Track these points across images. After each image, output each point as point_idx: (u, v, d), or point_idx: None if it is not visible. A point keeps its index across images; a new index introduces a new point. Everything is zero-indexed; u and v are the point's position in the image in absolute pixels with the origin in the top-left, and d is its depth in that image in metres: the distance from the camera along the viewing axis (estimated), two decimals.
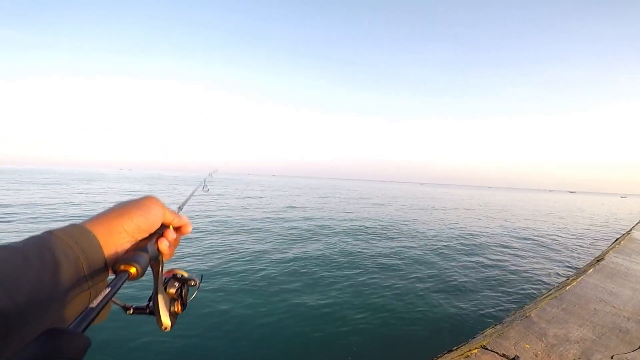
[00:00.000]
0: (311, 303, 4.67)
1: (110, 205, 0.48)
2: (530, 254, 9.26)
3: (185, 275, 0.55)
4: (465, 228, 13.63)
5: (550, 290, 5.24)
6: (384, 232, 11.41)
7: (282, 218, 13.42)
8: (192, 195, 0.82)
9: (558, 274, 7.21)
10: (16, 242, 0.37)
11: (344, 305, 4.68)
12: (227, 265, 6.26)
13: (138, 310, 0.51)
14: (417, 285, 5.80)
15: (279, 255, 7.25)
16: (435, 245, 9.46)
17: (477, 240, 10.80)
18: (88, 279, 0.39)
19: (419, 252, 8.37)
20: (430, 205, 25.37)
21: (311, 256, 7.39)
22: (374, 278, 6.02)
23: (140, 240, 0.48)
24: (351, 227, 11.88)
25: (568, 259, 8.93)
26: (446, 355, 2.92)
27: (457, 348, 3.12)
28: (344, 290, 5.29)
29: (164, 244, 0.50)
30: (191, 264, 6.28)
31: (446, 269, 7.00)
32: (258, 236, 9.43)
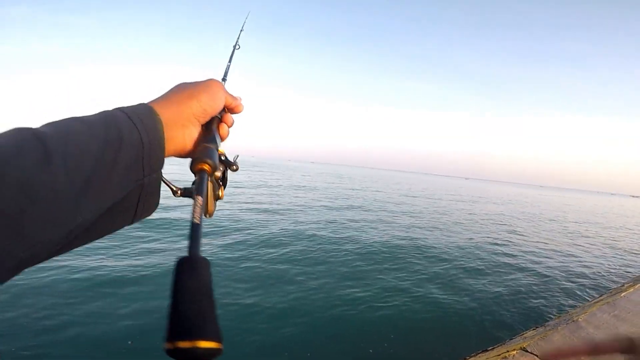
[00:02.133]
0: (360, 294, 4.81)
1: (174, 86, 0.45)
2: (589, 258, 8.58)
3: (226, 156, 0.50)
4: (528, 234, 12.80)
5: (601, 295, 4.86)
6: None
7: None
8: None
9: (612, 280, 6.67)
10: (88, 115, 0.36)
11: (389, 291, 4.80)
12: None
13: (187, 193, 0.46)
14: (463, 279, 5.71)
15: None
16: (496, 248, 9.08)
17: (533, 245, 10.18)
18: (146, 170, 0.37)
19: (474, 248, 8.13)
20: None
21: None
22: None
23: (205, 128, 0.46)
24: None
25: (628, 265, 8.17)
26: (481, 354, 2.87)
27: (493, 348, 3.05)
28: (403, 278, 5.40)
29: (224, 130, 0.49)
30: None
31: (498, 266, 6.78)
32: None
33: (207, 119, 0.46)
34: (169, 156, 0.42)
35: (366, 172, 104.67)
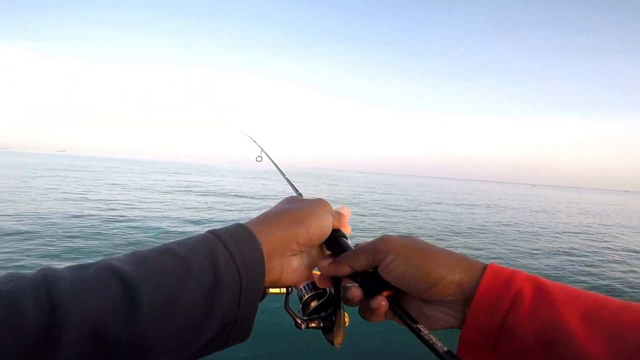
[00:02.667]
0: None
1: (279, 202, 0.41)
2: None
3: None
4: None
5: None
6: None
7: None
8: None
9: None
10: (181, 244, 0.33)
11: None
12: None
13: (313, 326, 0.47)
14: None
15: None
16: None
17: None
18: (241, 306, 0.34)
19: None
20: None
21: None
22: None
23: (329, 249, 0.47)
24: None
25: None
26: None
27: None
28: None
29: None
30: None
31: None
32: None
33: (309, 250, 0.45)
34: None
35: (415, 180, 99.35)
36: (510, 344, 0.33)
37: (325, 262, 0.46)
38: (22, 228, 7.13)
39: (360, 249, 0.43)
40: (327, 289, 0.51)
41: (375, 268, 0.42)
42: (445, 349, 0.34)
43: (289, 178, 0.87)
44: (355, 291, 0.42)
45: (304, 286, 0.51)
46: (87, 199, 11.96)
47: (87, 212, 9.30)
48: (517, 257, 7.80)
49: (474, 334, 0.36)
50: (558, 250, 8.82)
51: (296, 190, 0.75)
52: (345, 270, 0.44)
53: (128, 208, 10.64)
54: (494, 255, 7.85)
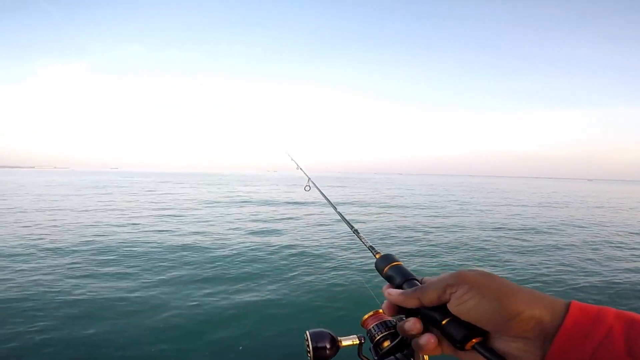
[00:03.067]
0: None
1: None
2: None
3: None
4: None
5: None
6: None
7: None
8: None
9: None
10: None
11: None
12: None
13: None
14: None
15: None
16: None
17: None
18: None
19: None
20: None
21: None
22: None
23: None
24: None
25: None
26: None
27: None
28: None
29: None
30: None
31: None
32: None
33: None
34: None
35: (456, 180, 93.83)
36: None
37: (394, 292, 0.45)
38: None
39: (432, 282, 0.42)
40: None
41: (444, 305, 0.41)
42: None
43: (340, 212, 0.92)
44: (429, 338, 0.41)
45: (374, 326, 0.52)
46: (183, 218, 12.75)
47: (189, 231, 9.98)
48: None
49: None
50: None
51: (350, 226, 0.78)
52: (413, 302, 0.43)
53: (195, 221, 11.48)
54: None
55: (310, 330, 0.55)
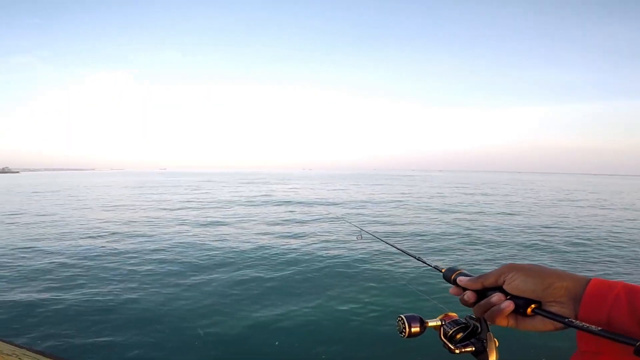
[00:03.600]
0: None
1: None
2: None
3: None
4: None
5: None
6: None
7: None
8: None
9: None
10: None
11: None
12: None
13: (467, 350, 0.64)
14: None
15: None
16: None
17: None
18: None
19: None
20: None
21: None
22: None
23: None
24: None
25: None
26: None
27: None
28: None
29: None
30: None
31: None
32: None
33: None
34: None
35: (500, 177, 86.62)
36: (616, 324, 0.46)
37: (464, 278, 0.63)
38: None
39: (491, 272, 0.59)
40: (469, 321, 0.66)
41: (500, 287, 0.57)
42: (599, 328, 0.44)
43: (398, 247, 1.04)
44: (510, 303, 0.55)
45: (447, 323, 0.68)
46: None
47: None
48: None
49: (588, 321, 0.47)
50: None
51: (412, 255, 0.92)
52: (477, 286, 0.60)
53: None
54: None
55: (404, 314, 0.69)
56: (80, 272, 6.49)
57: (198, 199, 20.50)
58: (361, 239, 1.42)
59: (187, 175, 76.30)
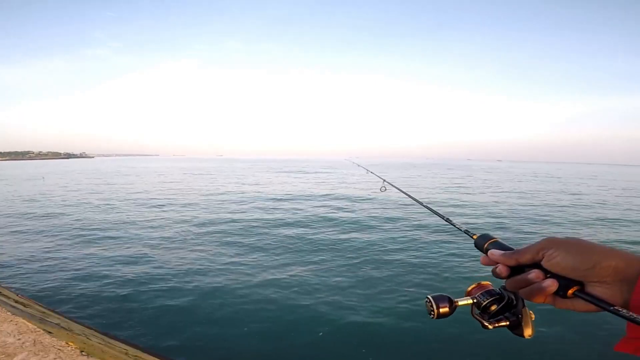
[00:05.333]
0: None
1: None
2: None
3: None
4: None
5: None
6: None
7: None
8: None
9: None
10: None
11: None
12: None
13: (502, 324, 0.59)
14: None
15: None
16: None
17: None
18: None
19: None
20: None
21: None
22: None
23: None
24: None
25: None
26: None
27: None
28: None
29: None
30: None
31: None
32: None
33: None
34: None
35: (566, 168, 79.93)
36: None
37: (497, 252, 0.55)
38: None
39: (527, 247, 0.51)
40: (504, 294, 0.59)
41: (537, 263, 0.50)
42: None
43: (427, 205, 1.04)
44: (552, 282, 0.48)
45: (480, 294, 0.61)
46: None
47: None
48: None
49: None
50: None
51: (441, 216, 0.91)
52: (511, 262, 0.53)
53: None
54: None
55: (431, 295, 0.63)
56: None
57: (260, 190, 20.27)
58: (385, 190, 1.44)
59: (240, 162, 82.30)
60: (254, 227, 8.62)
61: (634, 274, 0.43)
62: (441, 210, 0.94)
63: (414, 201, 1.16)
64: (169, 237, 7.61)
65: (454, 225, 0.80)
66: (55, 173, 34.15)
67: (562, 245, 0.48)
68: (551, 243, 0.49)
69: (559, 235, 0.51)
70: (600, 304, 0.44)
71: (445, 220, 0.86)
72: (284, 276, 5.15)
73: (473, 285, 0.64)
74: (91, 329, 3.70)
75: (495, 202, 14.20)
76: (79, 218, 9.82)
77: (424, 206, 1.05)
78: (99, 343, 3.08)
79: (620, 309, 0.41)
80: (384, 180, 1.49)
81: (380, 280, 4.98)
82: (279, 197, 14.34)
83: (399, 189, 1.23)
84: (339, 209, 11.23)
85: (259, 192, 16.54)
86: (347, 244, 6.93)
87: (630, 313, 0.40)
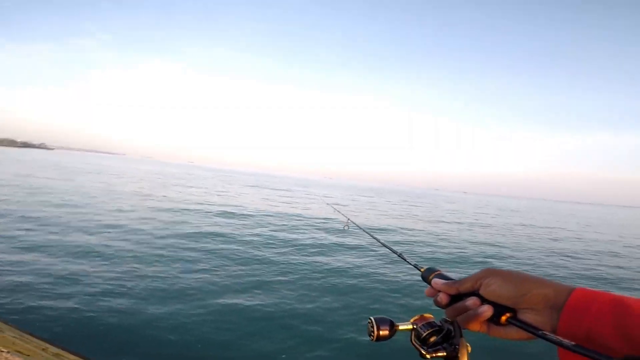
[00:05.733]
0: None
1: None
2: None
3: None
4: None
5: None
6: None
7: None
8: None
9: None
10: None
11: None
12: None
13: (439, 355, 0.62)
14: None
15: None
16: None
17: None
18: None
19: None
20: None
21: None
22: None
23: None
24: None
25: None
26: None
27: None
28: None
29: None
30: None
31: None
32: None
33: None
34: None
35: (538, 204, 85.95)
36: (597, 338, 0.43)
37: (440, 281, 0.60)
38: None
39: (468, 277, 0.56)
40: (443, 325, 0.64)
41: (476, 292, 0.54)
42: (573, 343, 0.41)
43: (382, 241, 1.09)
44: (488, 308, 0.52)
45: (421, 326, 0.65)
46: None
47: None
48: None
49: (567, 334, 0.44)
50: None
51: (394, 251, 0.96)
52: (453, 290, 0.57)
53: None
54: None
55: (374, 316, 0.66)
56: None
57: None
58: (348, 228, 1.48)
59: (212, 171, 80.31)
60: (206, 240, 8.37)
61: (562, 302, 0.46)
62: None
63: (373, 239, 1.22)
64: (120, 248, 7.11)
65: (405, 260, 0.85)
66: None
67: (499, 274, 0.53)
68: (489, 273, 0.54)
69: (499, 266, 0.59)
70: (529, 328, 0.47)
71: (398, 256, 0.91)
72: (234, 300, 5.02)
73: (416, 317, 0.68)
74: (45, 341, 3.50)
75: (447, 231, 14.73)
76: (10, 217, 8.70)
77: (381, 243, 1.10)
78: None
79: (547, 334, 0.44)
80: (348, 219, 1.52)
81: (328, 304, 5.06)
82: (234, 212, 13.98)
83: (361, 228, 1.26)
84: (293, 229, 11.16)
85: (212, 204, 15.96)
86: (296, 266, 6.91)
87: (558, 337, 0.43)
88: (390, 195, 52.15)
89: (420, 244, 11.02)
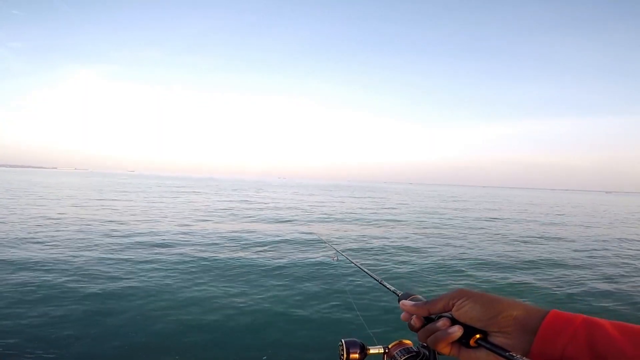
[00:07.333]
0: None
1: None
2: None
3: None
4: None
5: None
6: None
7: None
8: None
9: None
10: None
11: None
12: None
13: None
14: None
15: None
16: None
17: None
18: None
19: None
20: None
21: None
22: None
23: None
24: None
25: None
26: None
27: None
28: None
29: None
30: None
31: None
32: None
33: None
34: None
35: (479, 191, 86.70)
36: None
37: (408, 303, 0.58)
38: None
39: (439, 297, 0.55)
40: (420, 351, 0.64)
41: (448, 313, 0.53)
42: None
43: (364, 269, 0.99)
44: (458, 328, 0.51)
45: (398, 352, 0.65)
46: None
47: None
48: None
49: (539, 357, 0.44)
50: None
51: (375, 278, 0.88)
52: (423, 312, 0.56)
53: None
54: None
55: (345, 339, 0.67)
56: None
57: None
58: (337, 260, 1.37)
59: (164, 179, 74.55)
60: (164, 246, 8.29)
61: (533, 325, 0.46)
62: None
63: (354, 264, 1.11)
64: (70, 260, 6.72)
65: (384, 286, 0.81)
66: None
67: (472, 296, 0.51)
68: (462, 293, 0.52)
69: (471, 287, 0.54)
70: (499, 350, 0.45)
71: (379, 283, 0.87)
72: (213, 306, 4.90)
73: (394, 343, 0.67)
74: None
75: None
76: None
77: (363, 271, 1.02)
78: None
79: (516, 356, 0.43)
80: (337, 250, 1.40)
81: (303, 323, 4.69)
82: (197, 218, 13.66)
83: (350, 260, 1.20)
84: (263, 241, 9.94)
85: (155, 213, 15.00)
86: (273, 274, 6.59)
87: (525, 359, 0.42)
88: (347, 190, 52.02)
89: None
